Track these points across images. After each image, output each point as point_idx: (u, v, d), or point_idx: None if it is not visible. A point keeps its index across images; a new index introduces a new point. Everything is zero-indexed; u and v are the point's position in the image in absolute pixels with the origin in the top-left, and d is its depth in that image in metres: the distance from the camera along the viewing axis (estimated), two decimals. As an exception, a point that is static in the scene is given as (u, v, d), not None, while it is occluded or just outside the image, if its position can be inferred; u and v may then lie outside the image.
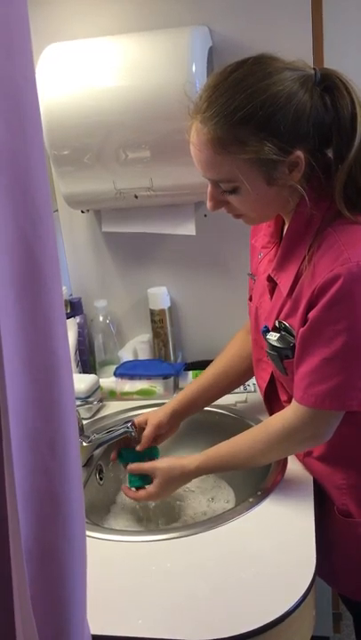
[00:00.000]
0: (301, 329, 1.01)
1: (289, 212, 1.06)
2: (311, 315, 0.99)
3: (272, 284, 1.12)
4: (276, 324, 1.09)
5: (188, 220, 1.56)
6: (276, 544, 1.04)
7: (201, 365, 1.66)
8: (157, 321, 1.67)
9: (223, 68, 0.98)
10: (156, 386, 1.58)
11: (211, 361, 1.69)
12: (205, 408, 1.47)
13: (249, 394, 1.54)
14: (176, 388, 1.61)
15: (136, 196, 1.46)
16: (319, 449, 1.15)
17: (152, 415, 1.32)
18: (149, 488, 1.19)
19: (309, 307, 1.00)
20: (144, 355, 1.70)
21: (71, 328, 1.63)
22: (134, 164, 1.40)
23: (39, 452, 0.55)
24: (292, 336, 1.05)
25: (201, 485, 1.37)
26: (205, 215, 1.59)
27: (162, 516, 1.30)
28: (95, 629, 0.69)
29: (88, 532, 1.08)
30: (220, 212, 1.56)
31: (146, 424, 1.31)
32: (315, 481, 1.18)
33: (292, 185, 0.99)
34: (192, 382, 1.40)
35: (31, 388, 0.53)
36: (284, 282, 1.06)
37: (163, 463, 1.20)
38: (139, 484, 1.23)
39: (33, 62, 0.49)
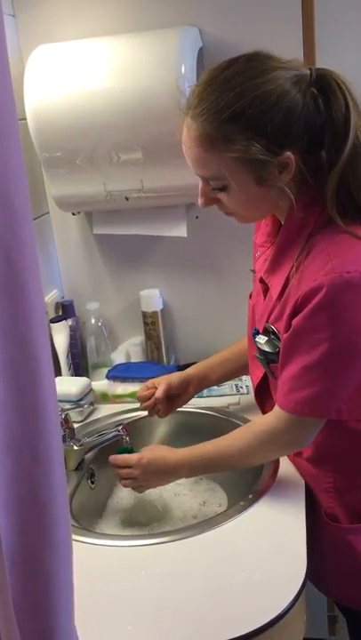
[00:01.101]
0: (285, 335, 1.01)
1: (283, 214, 1.06)
2: (294, 322, 0.99)
3: (265, 286, 1.11)
4: (266, 327, 1.09)
5: (180, 222, 1.56)
6: (267, 547, 1.03)
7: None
8: (150, 323, 1.66)
9: (217, 65, 0.98)
10: (149, 388, 1.58)
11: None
12: (198, 410, 1.47)
13: (242, 396, 1.53)
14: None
15: (127, 198, 1.46)
16: (308, 451, 1.14)
17: (163, 377, 1.34)
18: (133, 470, 1.18)
19: (294, 313, 0.99)
20: (137, 357, 1.70)
21: (63, 331, 1.62)
22: (124, 165, 1.40)
23: (22, 459, 0.54)
24: (280, 340, 1.05)
25: (193, 489, 1.36)
26: (197, 217, 1.58)
27: (153, 521, 1.29)
28: (85, 635, 0.69)
29: (79, 537, 1.08)
30: (211, 214, 1.56)
31: (156, 386, 1.32)
32: (305, 484, 1.18)
33: (281, 187, 0.98)
34: (209, 357, 1.40)
35: (13, 393, 0.52)
36: (275, 285, 1.06)
37: (148, 452, 1.21)
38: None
39: (8, 65, 0.48)
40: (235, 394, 1.54)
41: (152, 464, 1.18)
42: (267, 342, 1.08)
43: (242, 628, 0.88)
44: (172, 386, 1.32)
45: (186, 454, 1.17)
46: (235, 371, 1.38)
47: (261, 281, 1.11)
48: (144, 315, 1.66)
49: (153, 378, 1.57)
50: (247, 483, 1.22)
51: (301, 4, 1.38)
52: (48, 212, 1.66)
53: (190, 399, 1.37)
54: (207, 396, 1.53)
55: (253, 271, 1.23)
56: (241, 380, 1.57)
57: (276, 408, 1.06)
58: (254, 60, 0.97)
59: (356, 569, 1.13)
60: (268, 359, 1.08)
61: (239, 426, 1.36)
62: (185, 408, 1.49)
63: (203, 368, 1.37)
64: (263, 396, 1.24)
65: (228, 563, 1.02)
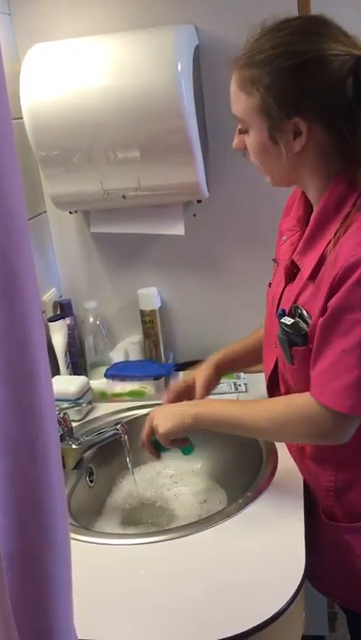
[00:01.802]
0: (321, 319, 0.97)
1: (316, 193, 1.04)
2: (331, 303, 0.95)
3: (294, 268, 1.09)
4: (293, 309, 1.05)
5: (177, 220, 1.56)
6: (265, 545, 1.03)
7: (192, 366, 1.66)
8: (148, 322, 1.66)
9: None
10: (147, 387, 1.58)
11: (202, 361, 1.69)
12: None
13: (240, 394, 1.53)
14: (167, 388, 1.61)
15: (124, 197, 1.46)
16: (312, 448, 1.14)
17: (198, 373, 1.32)
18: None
19: (330, 294, 0.96)
20: (135, 356, 1.70)
21: (61, 330, 1.62)
22: (122, 164, 1.40)
23: (19, 459, 0.54)
24: (306, 324, 1.02)
25: (193, 488, 1.36)
26: (195, 215, 1.58)
27: (153, 519, 1.30)
28: (84, 634, 0.69)
29: (77, 536, 1.08)
30: (209, 212, 1.57)
31: (194, 382, 1.31)
32: (304, 482, 1.18)
33: (294, 154, 0.99)
34: (235, 343, 1.38)
35: (9, 393, 0.52)
36: (307, 265, 1.03)
37: None
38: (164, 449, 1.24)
39: (2, 65, 0.48)
40: (233, 392, 1.54)
41: (162, 406, 1.22)
42: (293, 324, 1.04)
43: (241, 625, 0.88)
44: (211, 381, 1.31)
45: (202, 400, 1.19)
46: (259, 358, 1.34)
47: (292, 263, 1.09)
48: (142, 313, 1.66)
49: (152, 376, 1.58)
50: (246, 481, 1.22)
51: (298, 2, 1.38)
52: (45, 212, 1.66)
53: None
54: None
55: (275, 260, 1.21)
56: (239, 378, 1.57)
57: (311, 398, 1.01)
58: (313, 20, 0.99)
59: (353, 568, 1.13)
60: (291, 341, 1.04)
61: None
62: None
63: (230, 358, 1.35)
64: (273, 391, 1.21)
65: (227, 561, 1.02)
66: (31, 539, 0.57)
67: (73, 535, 1.06)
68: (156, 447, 1.23)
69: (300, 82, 0.94)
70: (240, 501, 1.14)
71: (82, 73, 1.36)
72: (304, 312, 1.03)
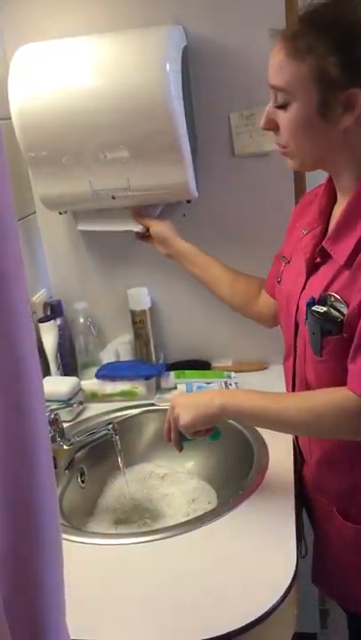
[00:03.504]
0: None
1: (350, 177, 1.02)
2: None
3: (320, 258, 1.06)
4: (324, 297, 1.02)
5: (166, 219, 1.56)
6: (257, 543, 1.04)
7: (183, 365, 1.66)
8: (138, 322, 1.66)
9: None
10: (138, 387, 1.58)
11: (193, 361, 1.70)
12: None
13: (231, 393, 1.53)
14: (158, 388, 1.61)
15: (113, 197, 1.46)
16: (321, 450, 1.12)
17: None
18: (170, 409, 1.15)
19: None
20: (125, 356, 1.70)
21: (52, 330, 1.62)
22: (111, 164, 1.40)
23: (10, 460, 0.54)
24: (339, 312, 0.99)
25: (184, 487, 1.36)
26: (184, 215, 1.59)
27: (144, 519, 1.30)
28: (75, 634, 0.69)
29: (69, 536, 1.08)
30: (198, 212, 1.57)
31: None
32: (305, 483, 1.18)
33: (339, 129, 0.96)
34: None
35: (1, 396, 0.52)
36: (341, 251, 1.00)
37: None
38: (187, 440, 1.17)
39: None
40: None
41: (183, 394, 1.22)
42: (326, 312, 1.00)
43: (233, 623, 0.88)
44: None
45: (228, 389, 1.17)
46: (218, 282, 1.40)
47: (319, 252, 1.06)
48: (132, 313, 1.66)
49: (143, 376, 1.58)
50: (236, 480, 1.23)
51: (285, 3, 1.38)
52: (34, 212, 1.66)
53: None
54: (196, 394, 1.53)
55: (284, 257, 1.20)
56: (230, 377, 1.58)
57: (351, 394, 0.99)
58: None
59: None
60: (324, 329, 1.00)
61: (227, 421, 1.36)
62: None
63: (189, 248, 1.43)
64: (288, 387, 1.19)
65: (219, 559, 1.02)
66: (23, 539, 0.57)
67: (64, 535, 1.06)
68: (180, 438, 1.16)
69: None
70: (231, 500, 1.14)
71: (70, 73, 1.36)
72: (337, 299, 1.00)
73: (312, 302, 1.03)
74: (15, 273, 0.51)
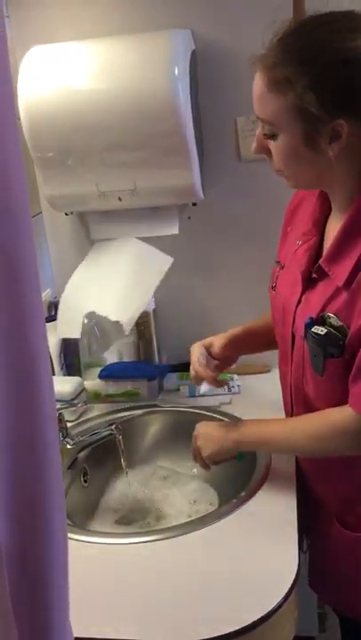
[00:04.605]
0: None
1: (345, 197, 1.01)
2: None
3: (319, 274, 1.04)
4: (321, 318, 1.01)
5: (172, 222, 1.56)
6: (258, 545, 1.04)
7: (186, 367, 1.66)
8: (142, 323, 1.67)
9: (307, 16, 0.96)
10: (141, 387, 1.58)
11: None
12: (189, 409, 1.48)
13: (233, 395, 1.54)
14: (161, 389, 1.62)
15: (120, 199, 1.46)
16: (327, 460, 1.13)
17: (216, 340, 1.30)
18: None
19: None
20: (129, 357, 1.70)
21: (55, 330, 1.62)
22: (117, 166, 1.40)
23: (20, 457, 0.55)
24: (340, 332, 0.98)
25: (184, 488, 1.37)
26: (189, 217, 1.59)
27: (146, 519, 1.30)
28: (78, 632, 0.69)
29: (71, 535, 1.08)
30: (204, 215, 1.58)
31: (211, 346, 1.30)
32: (307, 487, 1.19)
33: (329, 158, 0.94)
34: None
35: (10, 391, 0.53)
36: (340, 272, 0.98)
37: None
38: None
39: (8, 64, 0.49)
40: (226, 393, 1.55)
41: (205, 425, 1.22)
42: (327, 334, 0.99)
43: (233, 624, 0.89)
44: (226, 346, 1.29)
45: (241, 422, 1.19)
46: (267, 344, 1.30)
47: (318, 270, 1.03)
48: (136, 314, 1.67)
49: (145, 377, 1.58)
50: (238, 481, 1.23)
51: (293, 7, 1.39)
52: (40, 212, 1.66)
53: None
54: (199, 395, 1.53)
55: (278, 262, 1.18)
56: (233, 379, 1.58)
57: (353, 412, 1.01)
58: (348, 16, 0.92)
59: None
60: (327, 353, 1.00)
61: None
62: (176, 407, 1.50)
63: (248, 328, 1.32)
64: (288, 402, 1.20)
65: (220, 561, 1.03)
66: (30, 535, 0.57)
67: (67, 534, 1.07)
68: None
69: (347, 80, 0.89)
70: (234, 502, 1.15)
71: (78, 76, 1.37)
72: (336, 320, 0.99)
73: (310, 323, 1.02)
74: (30, 275, 0.51)
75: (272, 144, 0.99)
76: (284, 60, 0.92)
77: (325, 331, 1.00)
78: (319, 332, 1.00)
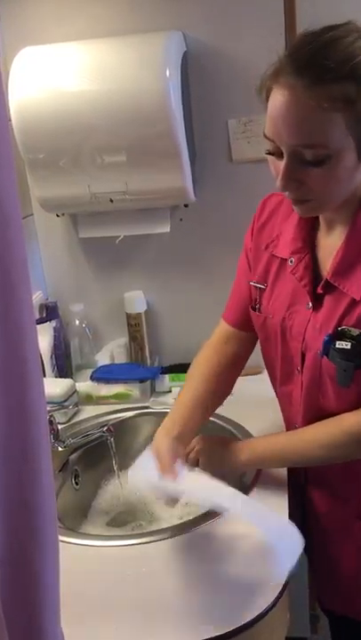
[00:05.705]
0: None
1: (348, 211, 1.00)
2: None
3: (325, 288, 1.02)
4: (344, 332, 0.99)
5: (164, 221, 1.57)
6: (250, 546, 1.04)
7: (178, 369, 1.66)
8: (134, 325, 1.67)
9: (310, 32, 0.91)
10: (133, 389, 1.58)
11: (188, 364, 1.70)
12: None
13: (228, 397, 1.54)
14: (153, 391, 1.61)
15: (111, 200, 1.46)
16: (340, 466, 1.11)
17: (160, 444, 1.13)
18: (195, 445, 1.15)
19: None
20: (121, 359, 1.70)
21: (47, 332, 1.62)
22: (109, 167, 1.40)
23: (11, 460, 0.55)
24: None
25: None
26: (181, 219, 1.59)
27: (138, 521, 1.30)
28: (70, 635, 0.69)
29: (63, 538, 1.08)
30: (195, 216, 1.58)
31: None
32: (309, 489, 1.19)
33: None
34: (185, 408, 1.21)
35: (2, 394, 0.53)
36: (352, 286, 0.98)
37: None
38: None
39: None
40: (218, 395, 1.54)
41: (210, 441, 1.16)
42: (353, 347, 0.97)
43: (225, 626, 0.89)
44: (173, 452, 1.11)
45: (249, 439, 1.16)
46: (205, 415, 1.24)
47: (326, 285, 1.02)
48: (128, 316, 1.67)
49: (137, 379, 1.58)
50: (230, 483, 1.23)
51: (284, 10, 1.40)
52: (32, 214, 1.66)
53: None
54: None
55: (256, 283, 1.16)
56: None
57: None
58: (352, 25, 0.91)
59: None
60: (358, 364, 0.98)
61: (223, 427, 1.37)
62: (168, 409, 1.49)
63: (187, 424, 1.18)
64: (298, 411, 1.15)
65: (211, 562, 1.02)
66: (21, 538, 0.57)
67: (58, 537, 1.07)
68: None
69: None
70: (225, 503, 1.14)
71: (70, 77, 1.37)
72: (354, 331, 0.98)
73: (329, 339, 1.00)
74: (21, 278, 0.51)
75: (314, 171, 0.90)
76: (331, 79, 0.85)
77: (350, 344, 0.98)
78: (345, 347, 0.98)
